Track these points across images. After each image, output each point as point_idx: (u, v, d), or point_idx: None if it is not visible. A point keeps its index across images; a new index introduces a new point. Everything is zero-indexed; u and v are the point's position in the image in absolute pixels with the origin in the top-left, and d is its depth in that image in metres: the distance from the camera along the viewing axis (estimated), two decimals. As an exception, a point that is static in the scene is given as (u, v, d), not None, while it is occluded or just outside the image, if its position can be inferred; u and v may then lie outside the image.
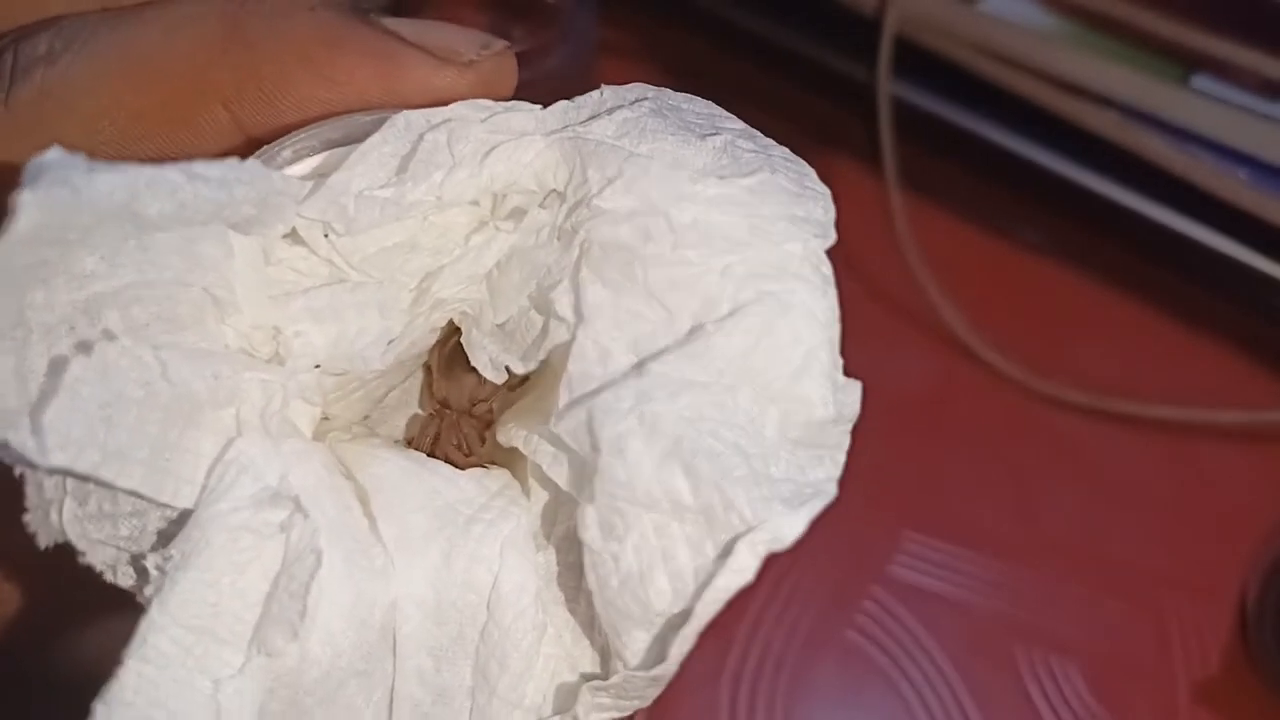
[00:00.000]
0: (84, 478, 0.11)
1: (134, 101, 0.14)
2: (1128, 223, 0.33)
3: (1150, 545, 0.31)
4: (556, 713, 0.14)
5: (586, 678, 0.14)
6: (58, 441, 0.11)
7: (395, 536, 0.14)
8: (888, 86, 0.34)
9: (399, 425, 0.17)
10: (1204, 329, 0.34)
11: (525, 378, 0.15)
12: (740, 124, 0.16)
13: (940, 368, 0.33)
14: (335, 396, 0.15)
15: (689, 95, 0.16)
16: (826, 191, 0.15)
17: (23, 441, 0.11)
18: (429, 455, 0.16)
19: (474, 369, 0.16)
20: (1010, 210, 0.36)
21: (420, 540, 0.14)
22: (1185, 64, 0.33)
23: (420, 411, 0.18)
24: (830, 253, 0.14)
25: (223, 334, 0.13)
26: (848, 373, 0.14)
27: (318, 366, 0.14)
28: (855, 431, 0.14)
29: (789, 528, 0.12)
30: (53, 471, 0.11)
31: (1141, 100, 0.32)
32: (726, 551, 0.12)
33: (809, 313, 0.14)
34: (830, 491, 0.13)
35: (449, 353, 0.17)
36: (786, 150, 0.15)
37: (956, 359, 0.33)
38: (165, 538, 0.12)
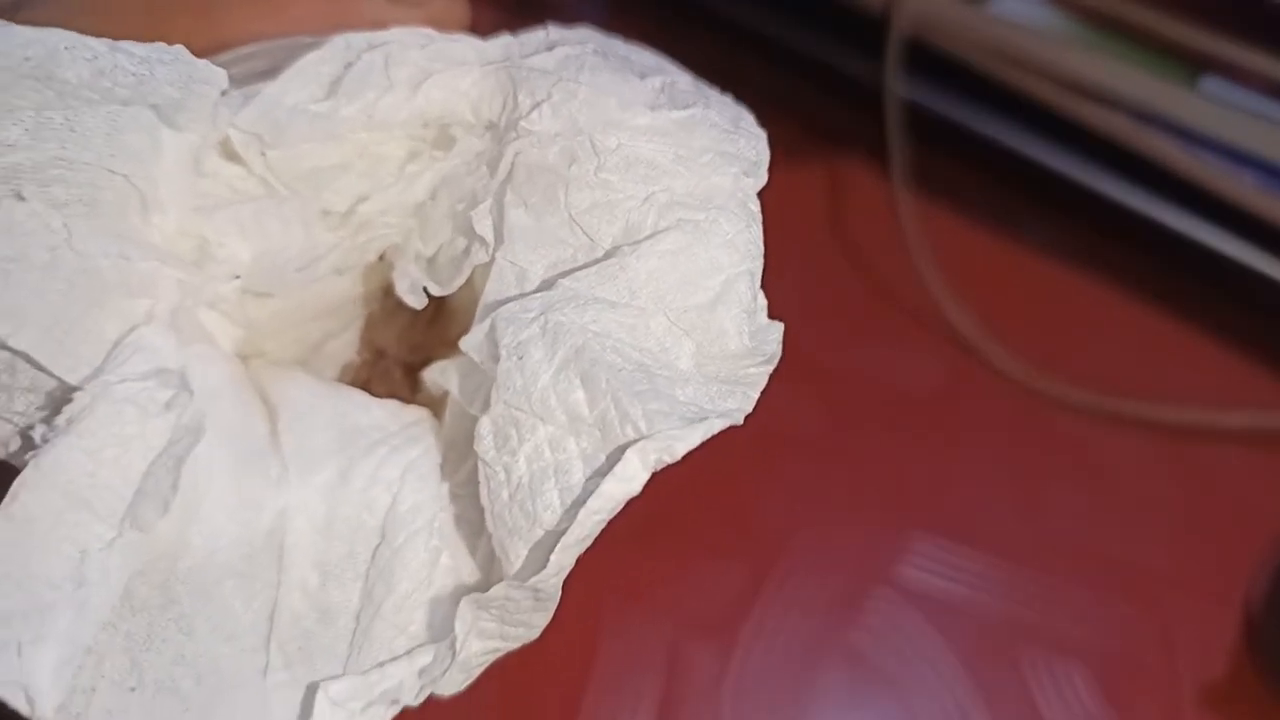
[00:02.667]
0: None
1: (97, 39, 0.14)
2: (1135, 224, 0.32)
3: (1155, 547, 0.31)
4: (440, 638, 0.13)
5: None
6: None
7: (294, 450, 0.13)
8: (896, 87, 0.34)
9: (333, 374, 0.17)
10: (1212, 331, 0.34)
11: (458, 327, 0.15)
12: (688, 75, 0.15)
13: (946, 368, 0.33)
14: (270, 331, 0.15)
15: (639, 46, 0.16)
16: (762, 133, 0.14)
17: None
18: None
19: (412, 316, 0.16)
20: (1018, 211, 0.36)
21: (320, 456, 0.13)
22: (1194, 66, 0.33)
23: (356, 360, 0.17)
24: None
25: (147, 230, 0.13)
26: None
27: (238, 278, 0.14)
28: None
29: (682, 441, 0.12)
30: None
31: (1149, 102, 0.32)
32: (615, 460, 0.12)
33: (729, 242, 0.13)
34: (737, 419, 0.12)
35: (390, 303, 0.17)
36: (729, 97, 0.15)
37: (963, 359, 0.33)
38: (56, 414, 0.12)
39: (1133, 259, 0.34)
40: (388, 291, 0.16)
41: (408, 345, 0.17)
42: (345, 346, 0.17)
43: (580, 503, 0.12)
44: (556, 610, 0.14)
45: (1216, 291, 0.33)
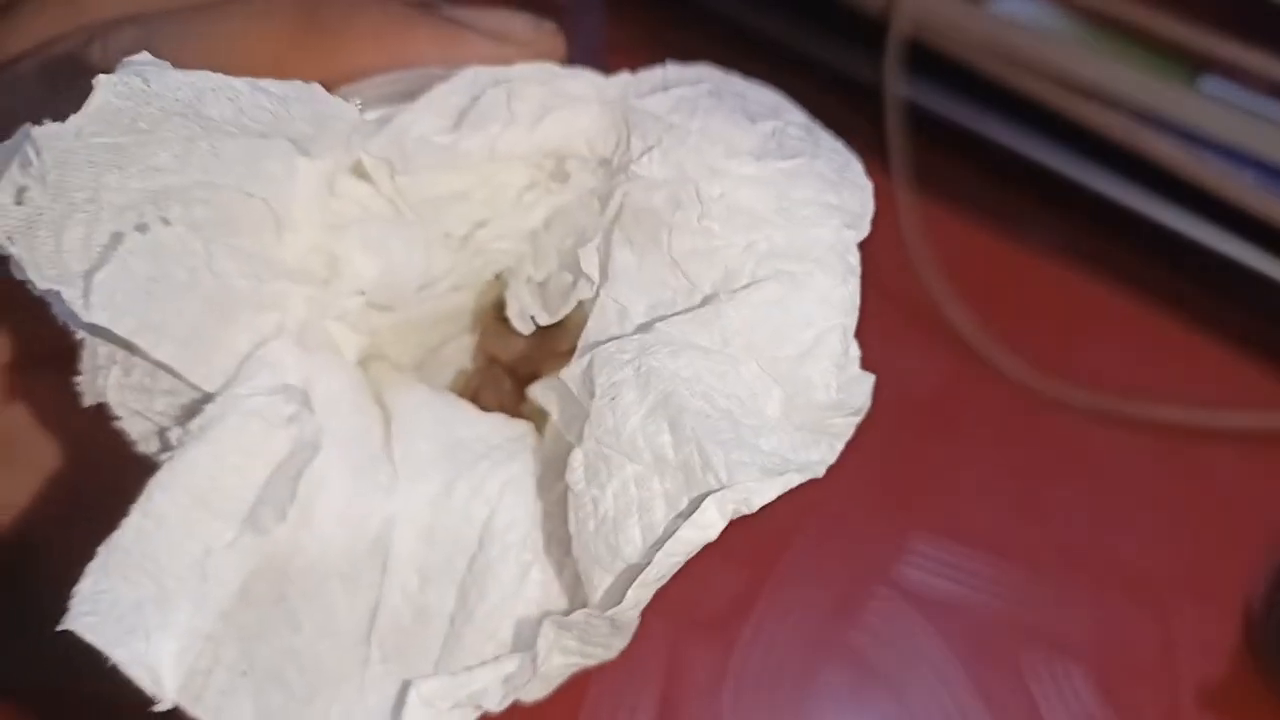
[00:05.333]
0: (121, 342, 0.12)
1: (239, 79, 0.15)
2: (1135, 225, 0.32)
3: (1156, 548, 0.31)
4: (525, 649, 0.14)
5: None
6: (101, 302, 0.12)
7: (404, 458, 0.14)
8: (896, 87, 0.34)
9: (448, 377, 0.18)
10: (1211, 331, 0.34)
11: (574, 349, 0.16)
12: (802, 116, 0.16)
13: (947, 368, 0.33)
14: (393, 336, 0.16)
15: (756, 84, 0.16)
16: (868, 184, 0.15)
17: (73, 297, 0.12)
18: None
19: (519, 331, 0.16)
20: (1018, 211, 0.36)
21: (427, 466, 0.14)
22: (1194, 66, 0.33)
23: (470, 367, 0.18)
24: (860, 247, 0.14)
25: (279, 249, 0.14)
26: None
27: (363, 293, 0.15)
28: (860, 430, 0.14)
29: (759, 493, 0.12)
30: (93, 330, 0.12)
31: (1149, 102, 0.32)
32: (694, 507, 0.12)
33: (824, 298, 0.14)
34: (818, 472, 0.13)
35: (501, 314, 0.17)
36: (840, 144, 0.15)
37: (963, 360, 0.33)
38: (191, 419, 0.13)
39: (1133, 259, 0.34)
40: (500, 306, 0.17)
41: (517, 356, 0.18)
42: (461, 351, 0.18)
43: (660, 542, 0.13)
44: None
45: (1216, 291, 0.33)
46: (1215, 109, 0.31)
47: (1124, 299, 0.34)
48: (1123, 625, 0.30)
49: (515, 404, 0.17)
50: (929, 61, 0.34)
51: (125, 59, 0.12)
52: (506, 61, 0.16)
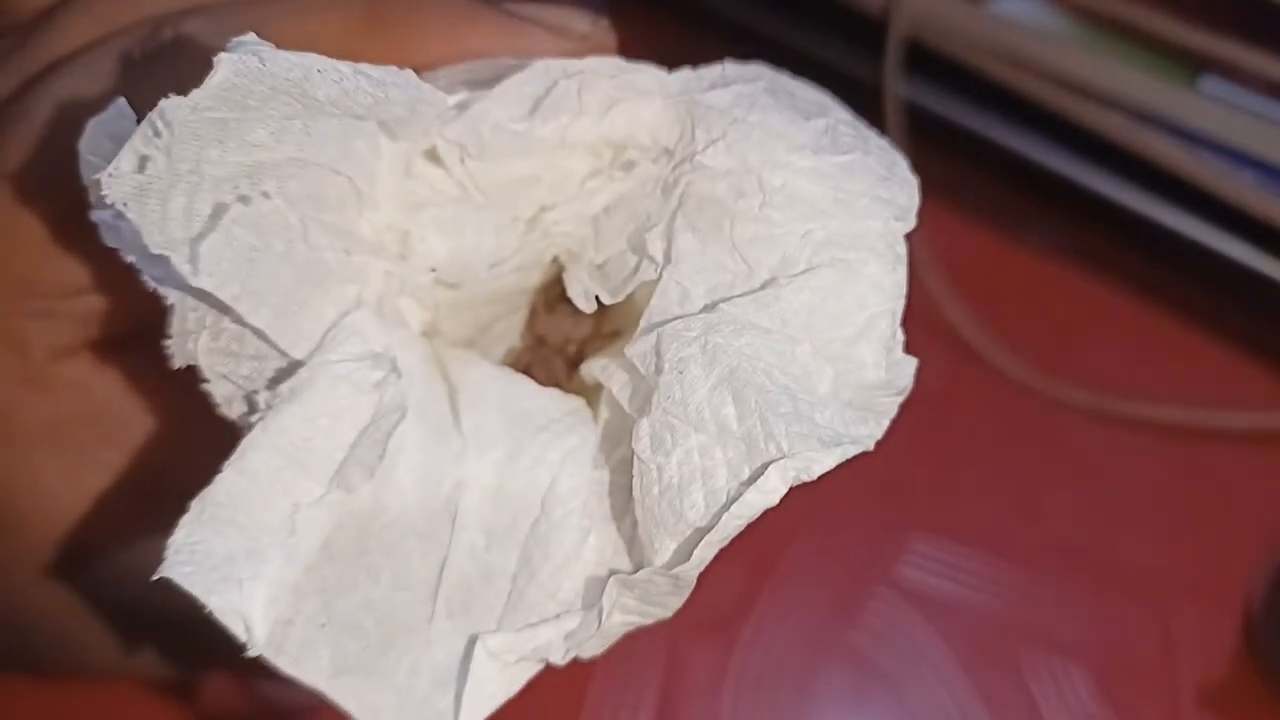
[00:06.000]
0: (222, 306, 0.13)
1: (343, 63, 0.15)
2: (1135, 225, 0.33)
3: (1156, 548, 0.31)
4: (587, 609, 0.15)
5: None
6: (208, 268, 0.12)
7: (473, 428, 0.15)
8: (896, 87, 0.34)
9: (498, 354, 0.19)
10: (1211, 331, 0.34)
11: (617, 332, 0.17)
12: (847, 113, 0.17)
13: (947, 369, 0.33)
14: (448, 313, 0.17)
15: (804, 82, 0.17)
16: (914, 180, 0.16)
17: (181, 262, 0.12)
18: None
19: (573, 310, 0.17)
20: (1018, 211, 0.36)
21: (494, 435, 0.15)
22: (1193, 66, 0.33)
23: (519, 345, 0.19)
24: (908, 236, 0.15)
25: (360, 224, 0.15)
26: None
27: (434, 270, 0.16)
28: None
29: (819, 462, 0.13)
30: (198, 295, 0.13)
31: (1149, 102, 0.32)
32: (758, 474, 0.13)
33: (876, 283, 0.15)
34: (868, 445, 0.14)
35: (554, 294, 0.18)
36: (885, 141, 0.16)
37: (963, 360, 0.33)
38: (277, 383, 0.14)
39: (1133, 259, 0.34)
40: (552, 286, 0.18)
41: (566, 336, 0.19)
42: (511, 330, 0.19)
43: (724, 507, 0.13)
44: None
45: (1216, 291, 0.33)
46: (1215, 109, 0.32)
47: (1124, 299, 0.34)
48: (1123, 625, 0.30)
49: (565, 381, 0.18)
50: (929, 61, 0.34)
51: (236, 39, 0.13)
52: (566, 55, 0.16)
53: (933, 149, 0.34)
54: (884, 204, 0.15)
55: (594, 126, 0.16)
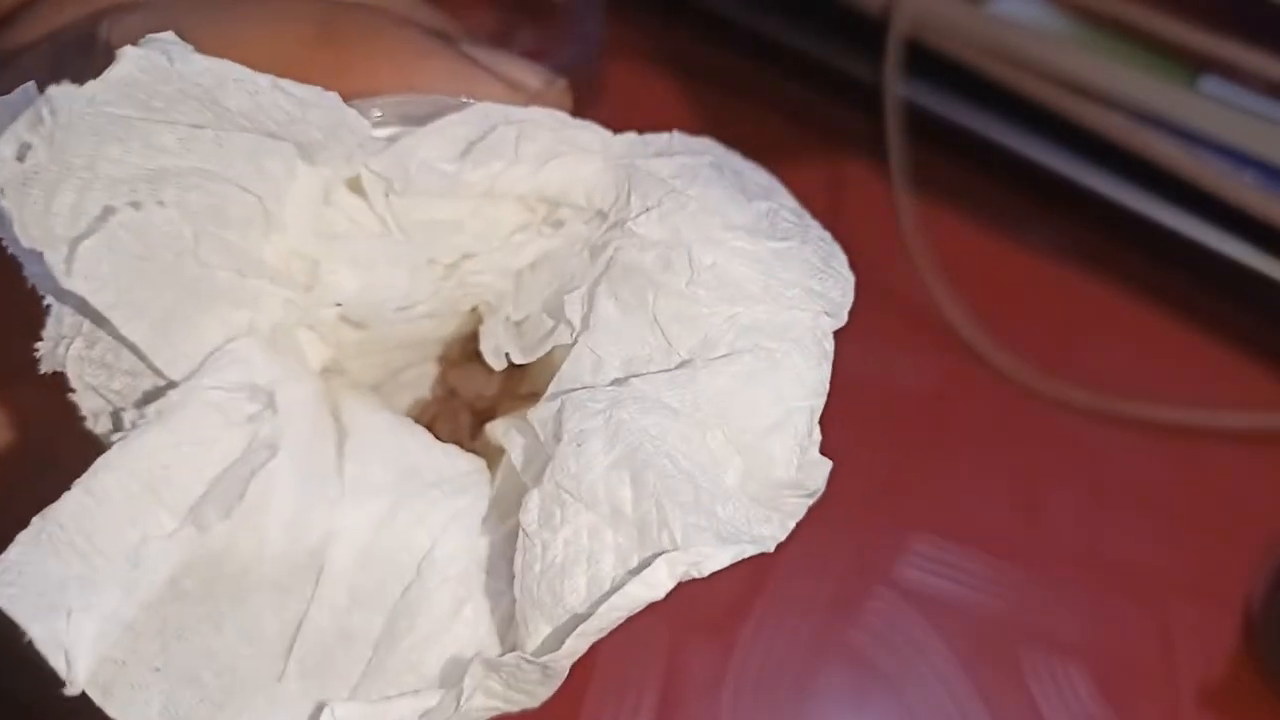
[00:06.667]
0: (97, 316, 0.12)
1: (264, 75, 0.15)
2: (1134, 225, 0.32)
3: (1155, 547, 0.31)
4: (448, 685, 0.14)
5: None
6: (83, 270, 0.12)
7: (355, 476, 0.14)
8: (895, 87, 0.34)
9: (405, 402, 0.18)
10: (1210, 331, 0.34)
11: (535, 394, 0.16)
12: (793, 201, 0.16)
13: (946, 369, 0.33)
14: (355, 353, 0.16)
15: (755, 165, 0.17)
16: (850, 277, 0.15)
17: (55, 261, 0.12)
18: None
19: (489, 366, 0.16)
20: (1018, 211, 0.36)
21: (377, 486, 0.14)
22: (1193, 66, 0.33)
23: (429, 396, 0.18)
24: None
25: (264, 247, 0.14)
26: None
27: (339, 305, 0.15)
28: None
29: (712, 559, 0.12)
30: (67, 298, 0.12)
31: (1149, 102, 0.32)
32: (645, 564, 0.13)
33: (798, 376, 0.14)
34: (768, 547, 0.13)
35: (471, 347, 0.17)
36: (827, 233, 0.16)
37: (963, 360, 0.33)
38: (148, 403, 0.13)
39: (1133, 259, 0.34)
40: (469, 338, 0.17)
41: (477, 392, 0.18)
42: (422, 379, 0.18)
43: (605, 596, 0.13)
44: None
45: (1217, 291, 0.33)
46: (1215, 109, 0.32)
47: (1124, 299, 0.34)
48: (1123, 625, 0.30)
49: (469, 439, 0.17)
50: (929, 61, 0.34)
51: (150, 36, 0.12)
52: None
53: (933, 149, 0.34)
54: (816, 297, 0.15)
55: (528, 178, 0.15)
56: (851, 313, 0.15)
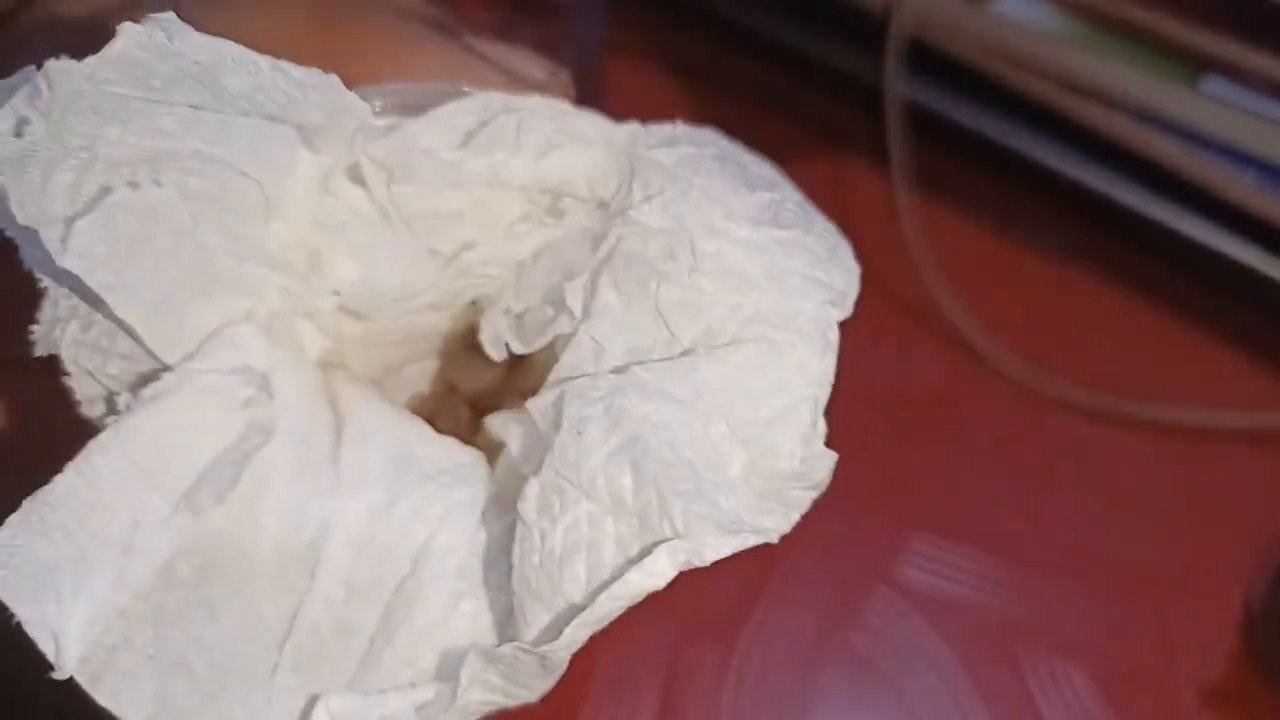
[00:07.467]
0: (93, 298, 0.12)
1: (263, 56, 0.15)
2: (1136, 225, 0.32)
3: (1156, 547, 0.31)
4: (444, 679, 0.13)
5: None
6: (79, 249, 0.11)
7: (351, 465, 0.14)
8: (895, 87, 0.34)
9: (404, 399, 0.18)
10: (1211, 331, 0.34)
11: (535, 389, 0.16)
12: (798, 194, 0.16)
13: (947, 368, 0.33)
14: (355, 348, 0.16)
15: (758, 157, 0.16)
16: (855, 267, 0.15)
17: (50, 239, 0.11)
18: None
19: (488, 360, 0.16)
20: (1018, 211, 0.36)
21: (373, 476, 0.14)
22: (1194, 66, 0.33)
23: (427, 390, 0.18)
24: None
25: (264, 234, 0.14)
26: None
27: (337, 294, 0.14)
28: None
29: (712, 548, 0.12)
30: (63, 278, 0.12)
31: (1150, 102, 0.32)
32: (646, 553, 0.12)
33: (802, 367, 0.14)
34: (772, 538, 0.13)
35: (468, 342, 0.17)
36: (832, 224, 0.15)
37: (963, 359, 0.33)
38: (144, 385, 0.13)
39: (1133, 259, 0.34)
40: (469, 333, 0.17)
41: (478, 387, 0.18)
42: (421, 374, 0.18)
43: (605, 585, 0.12)
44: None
45: (1217, 291, 0.33)
46: (1216, 109, 0.31)
47: (1125, 299, 0.34)
48: (1123, 625, 0.30)
49: (469, 435, 0.17)
50: (929, 61, 0.34)
51: (150, 15, 0.12)
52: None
53: (933, 148, 0.34)
54: (821, 287, 0.14)
55: (529, 168, 0.15)
56: (850, 311, 0.15)
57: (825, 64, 0.35)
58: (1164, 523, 0.31)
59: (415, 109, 0.15)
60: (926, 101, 0.34)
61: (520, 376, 0.18)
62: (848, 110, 0.36)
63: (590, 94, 0.16)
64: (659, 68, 0.38)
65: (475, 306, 0.16)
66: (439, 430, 0.16)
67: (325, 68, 0.14)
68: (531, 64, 0.16)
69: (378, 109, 0.14)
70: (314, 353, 0.15)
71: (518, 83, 0.16)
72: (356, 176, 0.14)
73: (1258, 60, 0.32)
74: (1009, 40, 0.33)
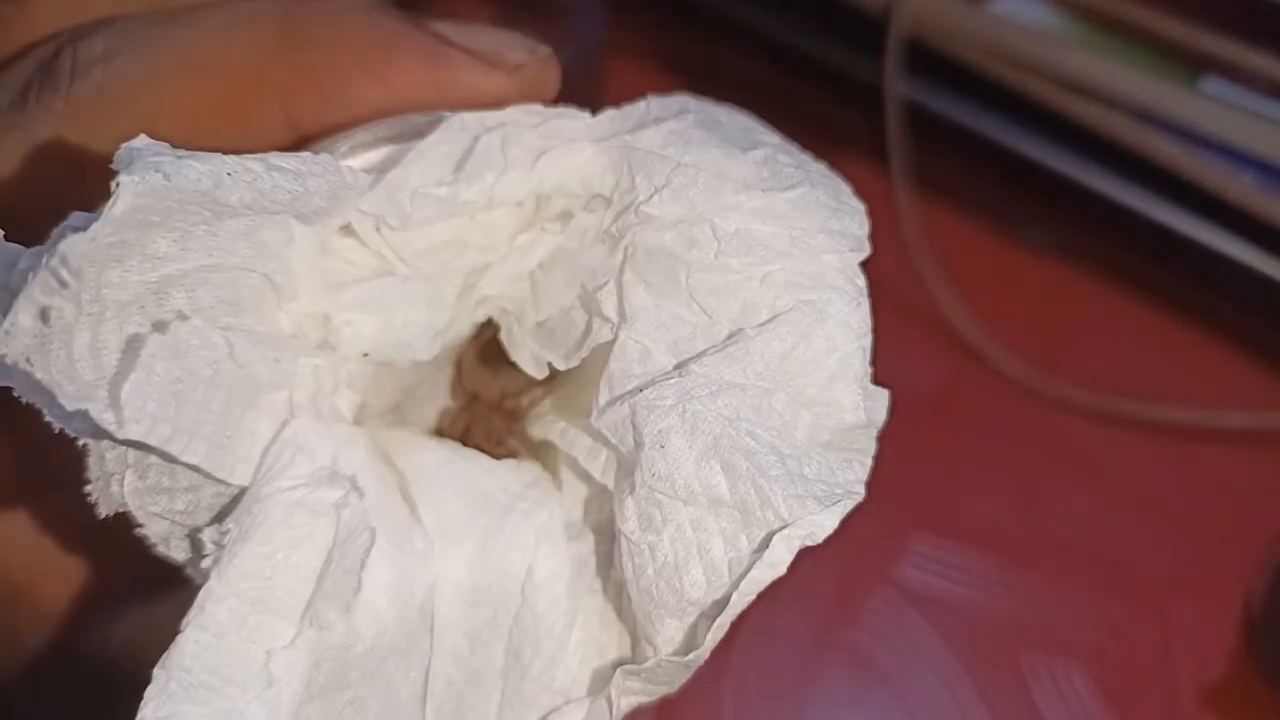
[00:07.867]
0: (155, 451, 0.12)
1: (190, 100, 0.15)
2: (1136, 225, 0.32)
3: (1155, 547, 0.31)
4: (588, 695, 0.14)
5: (616, 663, 0.14)
6: (134, 414, 0.11)
7: (435, 521, 0.14)
8: (895, 87, 0.34)
9: (429, 415, 0.18)
10: (1211, 331, 0.34)
11: (552, 377, 0.16)
12: (777, 137, 0.16)
13: (947, 369, 0.33)
14: (373, 384, 0.16)
15: (729, 109, 0.16)
16: (862, 207, 0.15)
17: (100, 413, 0.11)
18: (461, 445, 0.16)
19: (506, 364, 0.16)
20: (1018, 212, 0.36)
21: (459, 526, 0.14)
22: (1194, 66, 0.33)
23: (449, 403, 0.18)
24: (863, 265, 0.15)
25: (279, 319, 0.14)
26: None
27: (366, 355, 0.14)
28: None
29: (822, 525, 0.13)
30: (126, 444, 0.11)
31: (1150, 102, 0.32)
32: (763, 546, 0.13)
33: (844, 322, 0.14)
34: (859, 493, 0.13)
35: (482, 347, 0.17)
36: (823, 165, 0.16)
37: (964, 360, 0.33)
38: (219, 513, 0.13)
39: (1133, 259, 0.34)
40: (477, 337, 0.17)
41: (500, 391, 0.18)
42: (438, 388, 0.18)
43: (734, 581, 0.13)
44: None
45: (1216, 291, 0.33)
46: (1215, 109, 0.31)
47: (1124, 299, 0.34)
48: (1122, 625, 0.30)
49: (507, 438, 0.17)
50: (929, 61, 0.34)
51: (136, 149, 0.11)
52: (495, 87, 0.15)
53: (933, 149, 0.34)
54: (838, 237, 0.15)
55: (523, 181, 0.15)
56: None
57: (825, 64, 0.35)
58: (1164, 523, 0.31)
59: (389, 141, 0.14)
60: (926, 101, 0.34)
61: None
62: (847, 111, 0.36)
63: (590, 94, 0.16)
64: (659, 68, 0.38)
65: (488, 321, 0.17)
66: (477, 441, 0.16)
67: (298, 84, 0.14)
68: (507, 44, 0.16)
69: (346, 152, 0.14)
70: (349, 411, 0.15)
71: (496, 67, 0.15)
72: (348, 231, 0.14)
73: (1257, 60, 0.32)
74: (1008, 40, 0.33)
